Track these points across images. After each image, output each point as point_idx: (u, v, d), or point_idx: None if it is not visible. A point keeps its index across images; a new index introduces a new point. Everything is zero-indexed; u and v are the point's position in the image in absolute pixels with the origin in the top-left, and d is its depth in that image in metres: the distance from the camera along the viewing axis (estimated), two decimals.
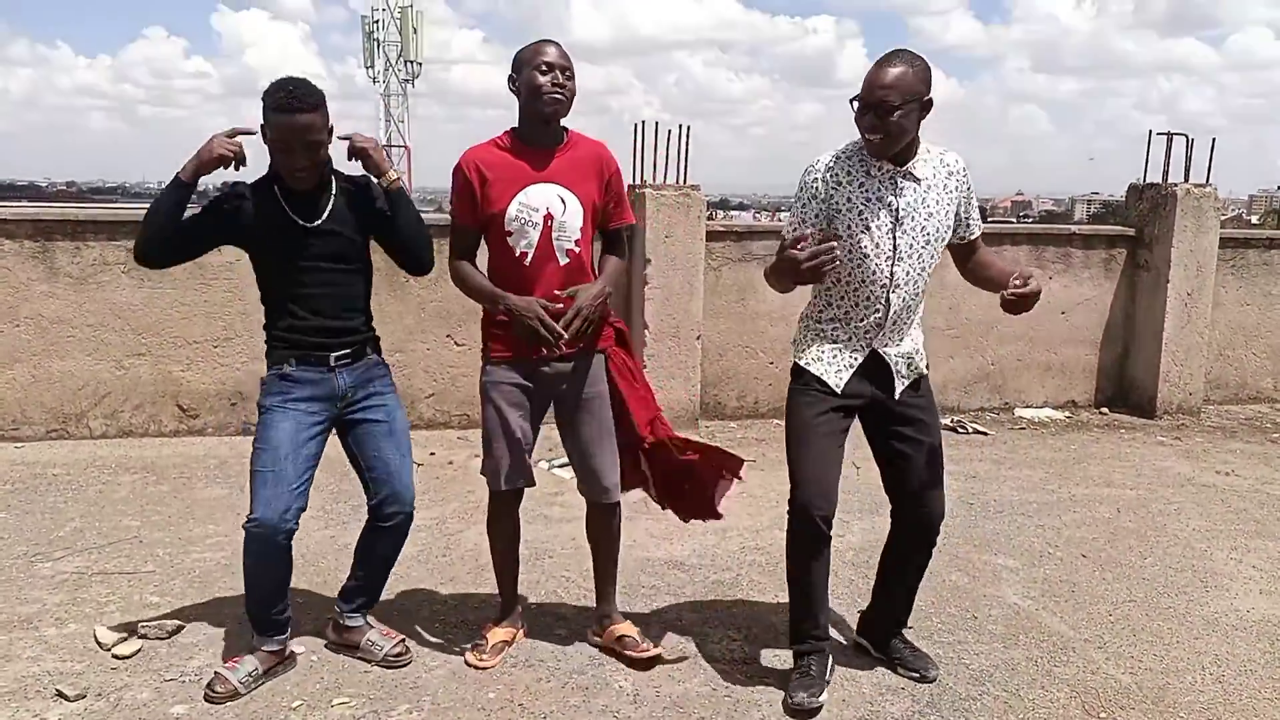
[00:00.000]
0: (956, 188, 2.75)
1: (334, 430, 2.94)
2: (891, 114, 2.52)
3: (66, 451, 5.21)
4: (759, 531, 4.21)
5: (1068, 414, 6.68)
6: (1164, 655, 3.18)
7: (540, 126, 2.82)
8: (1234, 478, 5.31)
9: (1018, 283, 2.60)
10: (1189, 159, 6.50)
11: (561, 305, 2.75)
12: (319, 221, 2.79)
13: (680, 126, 5.96)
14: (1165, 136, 6.56)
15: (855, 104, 2.59)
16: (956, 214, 2.78)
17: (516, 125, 2.87)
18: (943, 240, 2.76)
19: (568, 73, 2.77)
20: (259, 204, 2.77)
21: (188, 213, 2.76)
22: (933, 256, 2.75)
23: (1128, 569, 3.93)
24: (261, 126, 2.71)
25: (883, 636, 3.08)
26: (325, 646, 3.06)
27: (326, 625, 3.13)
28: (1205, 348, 6.64)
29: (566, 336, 2.72)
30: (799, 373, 2.83)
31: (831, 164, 2.70)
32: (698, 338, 5.89)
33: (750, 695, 2.87)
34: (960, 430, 6.16)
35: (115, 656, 2.96)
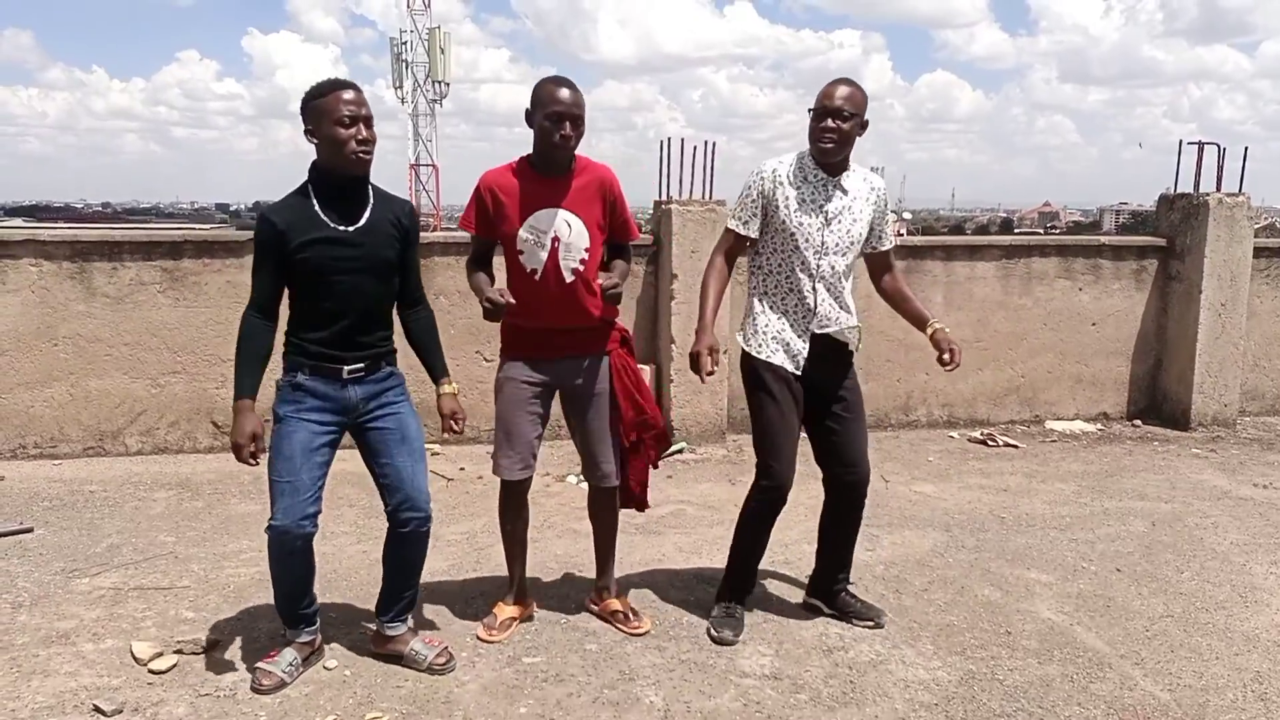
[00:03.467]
0: (875, 202, 3.23)
1: (351, 438, 2.98)
2: (846, 120, 3.04)
3: (103, 468, 5.29)
4: (787, 545, 4.19)
5: (1100, 426, 6.60)
6: (1203, 672, 3.14)
7: (549, 163, 3.06)
8: (1272, 490, 5.22)
9: (946, 359, 3.18)
10: (1221, 168, 6.43)
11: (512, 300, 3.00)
12: (355, 227, 2.83)
13: (705, 142, 5.99)
14: (1196, 145, 6.50)
15: (811, 113, 3.09)
16: (872, 225, 3.24)
17: (531, 153, 3.10)
18: (861, 243, 3.23)
19: (577, 120, 2.98)
20: (294, 218, 2.80)
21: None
22: (855, 256, 3.23)
23: (1164, 583, 3.87)
24: (307, 131, 2.78)
25: (831, 594, 3.46)
26: (366, 656, 3.09)
27: (370, 637, 3.17)
28: (1240, 359, 6.55)
29: (508, 302, 2.98)
30: (754, 364, 3.23)
31: (777, 167, 3.19)
32: (724, 352, 5.87)
33: (782, 711, 2.85)
34: (991, 443, 6.11)
35: (151, 671, 3.00)
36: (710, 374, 3.13)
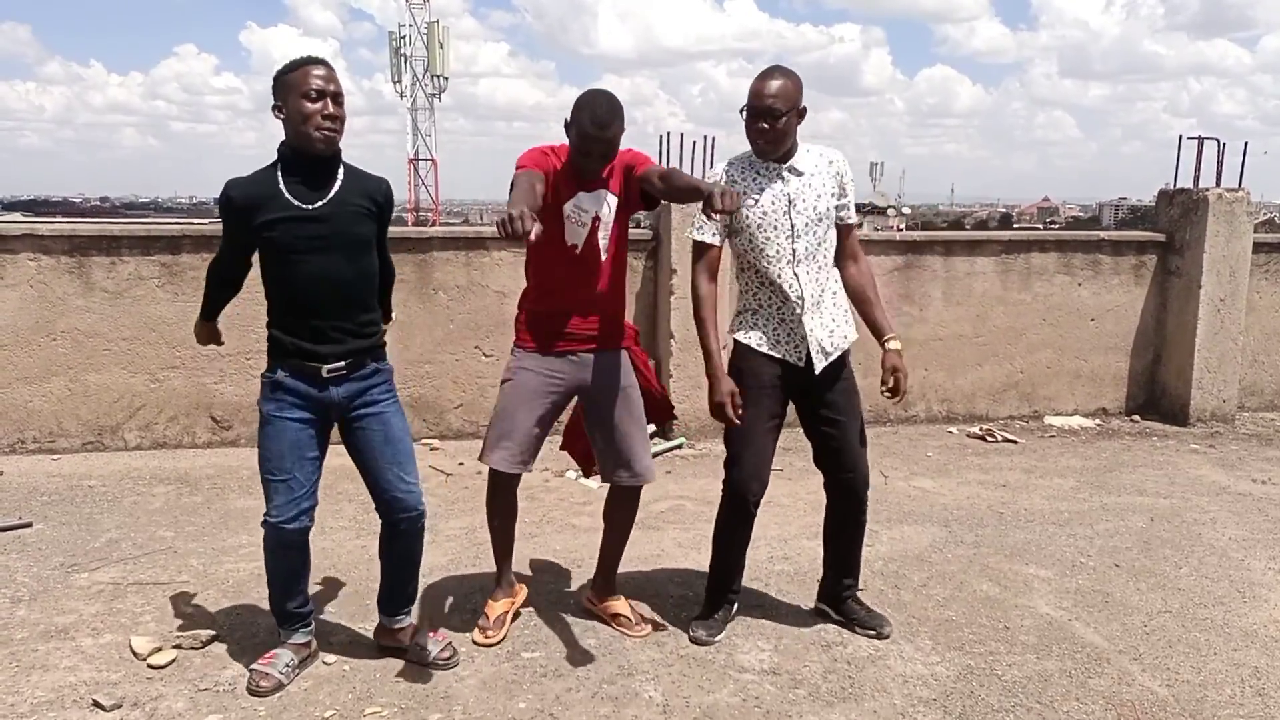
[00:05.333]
0: (835, 174, 3.17)
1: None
2: (778, 119, 2.99)
3: (102, 463, 5.29)
4: (787, 541, 4.20)
5: (1098, 422, 6.60)
6: (1201, 667, 3.14)
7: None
8: (1270, 486, 5.23)
9: (887, 390, 3.16)
10: (1220, 163, 6.43)
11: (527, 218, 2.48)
12: (319, 204, 2.74)
13: (705, 137, 5.99)
14: (1196, 140, 6.50)
15: (744, 113, 3.04)
16: (836, 195, 3.17)
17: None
18: (831, 219, 3.16)
19: (610, 148, 2.95)
20: (256, 193, 2.72)
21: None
22: (826, 231, 3.16)
23: (1162, 579, 3.88)
24: (274, 106, 2.72)
25: (838, 599, 3.41)
26: (364, 652, 3.09)
27: (374, 631, 3.17)
28: (1239, 354, 6.55)
29: (525, 227, 2.46)
30: (736, 360, 3.20)
31: (728, 168, 3.18)
32: (724, 347, 5.88)
33: (780, 706, 2.86)
34: (989, 439, 6.12)
35: (150, 666, 3.00)
36: (740, 419, 3.06)
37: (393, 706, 2.81)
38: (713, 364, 3.11)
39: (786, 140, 3.07)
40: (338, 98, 2.71)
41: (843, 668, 3.09)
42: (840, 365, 3.21)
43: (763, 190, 3.10)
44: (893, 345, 3.16)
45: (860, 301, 3.25)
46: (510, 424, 3.13)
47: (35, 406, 5.45)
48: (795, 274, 3.11)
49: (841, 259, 3.25)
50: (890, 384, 3.16)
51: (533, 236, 2.45)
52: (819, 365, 3.14)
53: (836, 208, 3.18)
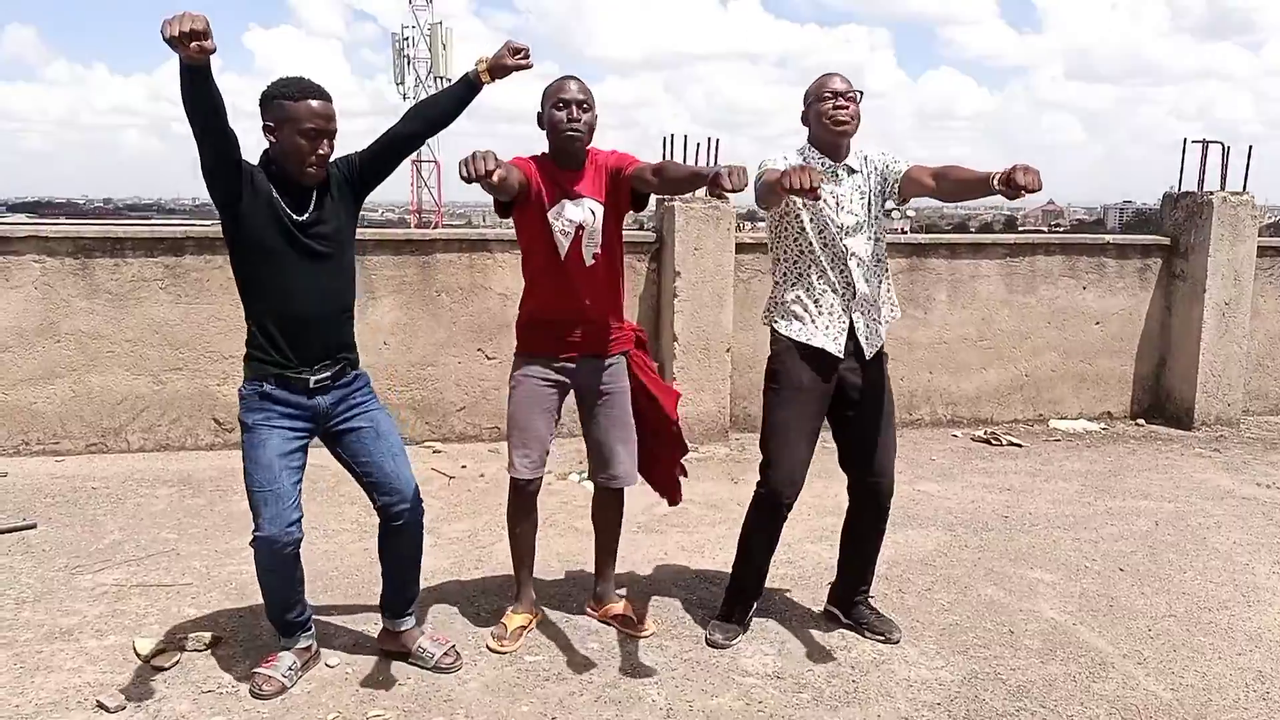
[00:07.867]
0: (875, 164, 3.17)
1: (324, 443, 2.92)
2: (856, 102, 3.09)
3: (105, 465, 5.29)
4: (790, 545, 4.19)
5: (1103, 425, 6.59)
6: (1206, 671, 3.13)
7: (565, 155, 3.09)
8: (1275, 490, 5.21)
9: (1019, 178, 2.53)
10: (1225, 166, 6.42)
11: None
12: (306, 215, 2.73)
13: (709, 139, 5.98)
14: (1201, 144, 6.48)
15: (814, 100, 3.12)
16: (884, 179, 3.16)
17: (547, 150, 3.13)
18: (881, 213, 3.18)
19: (584, 105, 3.03)
20: (260, 184, 2.69)
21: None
22: (878, 229, 3.17)
23: (1167, 583, 3.87)
24: (265, 126, 2.68)
25: (849, 603, 3.41)
26: (367, 654, 3.09)
27: (378, 634, 3.16)
28: (1244, 358, 6.54)
29: (488, 166, 2.54)
30: (779, 355, 3.14)
31: (790, 156, 3.14)
32: (727, 350, 5.88)
33: (784, 710, 2.85)
34: (995, 442, 6.10)
35: (154, 668, 3.00)
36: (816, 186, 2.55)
37: (395, 709, 2.81)
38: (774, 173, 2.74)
39: (857, 126, 3.11)
40: (332, 136, 2.70)
41: (847, 672, 3.09)
42: (878, 368, 3.21)
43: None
44: (998, 171, 2.64)
45: (954, 181, 2.91)
46: (526, 433, 3.18)
47: (39, 408, 5.46)
48: (848, 265, 3.08)
49: (925, 184, 3.00)
50: (1018, 174, 2.54)
51: (495, 178, 2.59)
52: (869, 352, 3.11)
53: (887, 186, 3.11)
